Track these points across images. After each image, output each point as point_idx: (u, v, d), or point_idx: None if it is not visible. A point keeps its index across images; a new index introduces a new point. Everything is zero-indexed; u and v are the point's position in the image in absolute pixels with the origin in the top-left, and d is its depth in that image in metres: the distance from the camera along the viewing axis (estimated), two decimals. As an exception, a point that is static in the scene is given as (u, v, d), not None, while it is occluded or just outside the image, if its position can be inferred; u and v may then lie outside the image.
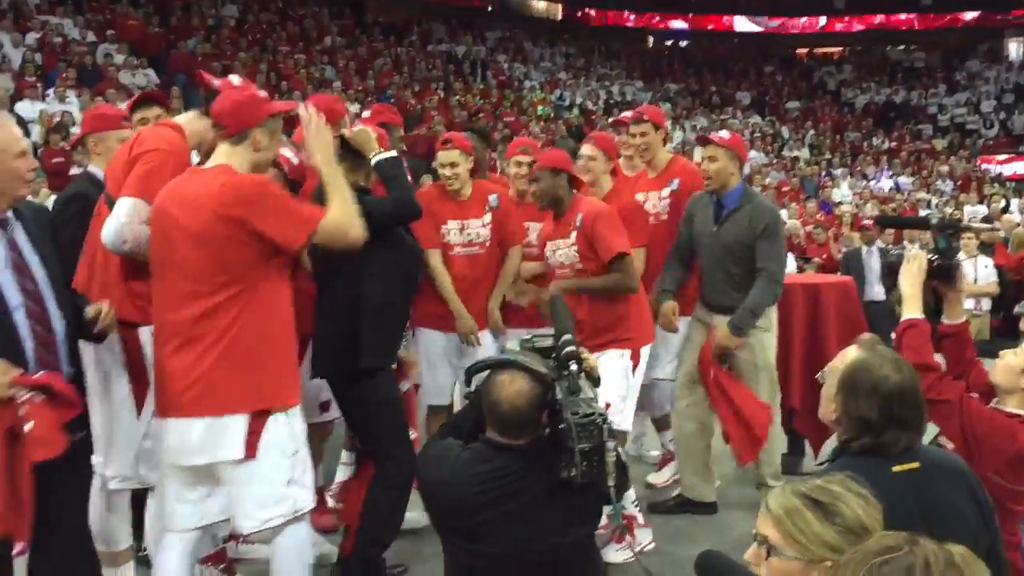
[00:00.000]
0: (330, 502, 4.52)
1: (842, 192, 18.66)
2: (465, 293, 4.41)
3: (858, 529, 1.80)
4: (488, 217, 4.50)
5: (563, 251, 4.24)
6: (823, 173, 20.47)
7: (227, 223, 2.86)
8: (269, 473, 2.95)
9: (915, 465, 2.32)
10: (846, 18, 29.85)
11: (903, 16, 29.35)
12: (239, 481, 2.95)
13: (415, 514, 3.98)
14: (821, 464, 2.56)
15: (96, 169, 3.73)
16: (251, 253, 2.90)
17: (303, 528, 3.11)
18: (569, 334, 2.85)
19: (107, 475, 3.36)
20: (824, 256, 11.37)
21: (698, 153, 17.91)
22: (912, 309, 3.03)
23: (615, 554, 3.95)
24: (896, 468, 2.30)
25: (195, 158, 3.59)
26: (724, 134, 4.66)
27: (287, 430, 2.99)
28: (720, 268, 4.51)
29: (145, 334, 3.31)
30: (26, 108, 12.15)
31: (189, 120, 3.49)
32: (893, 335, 3.13)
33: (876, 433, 2.33)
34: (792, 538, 1.81)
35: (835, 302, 5.37)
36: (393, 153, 3.61)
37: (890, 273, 9.38)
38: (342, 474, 4.72)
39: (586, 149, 4.68)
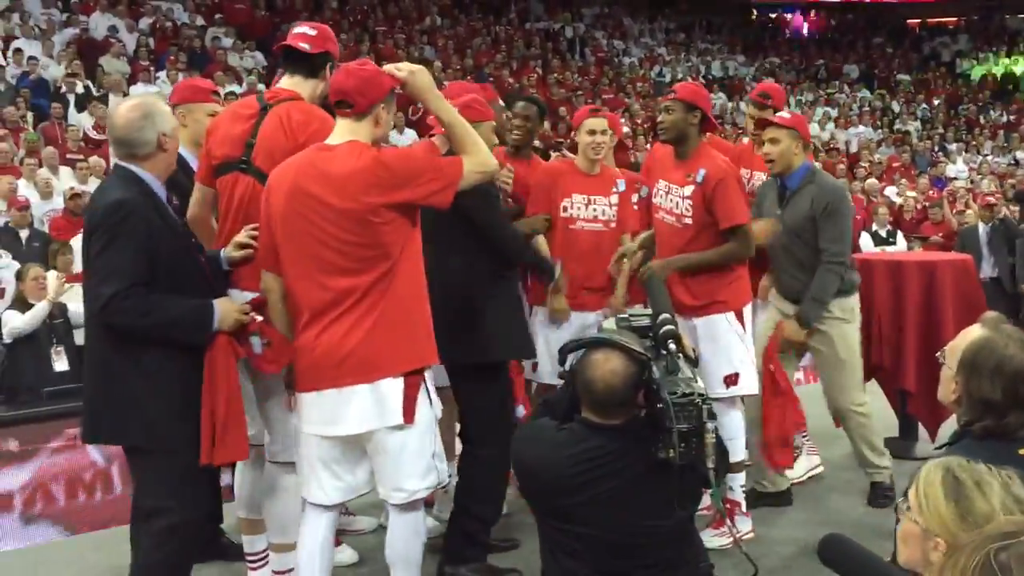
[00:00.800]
0: None
1: (957, 168, 17.91)
2: (587, 270, 4.32)
3: (982, 522, 1.72)
4: (615, 199, 4.41)
5: (675, 198, 4.10)
6: (936, 148, 19.68)
7: (383, 200, 2.86)
8: (419, 444, 2.99)
9: None
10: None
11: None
12: (391, 450, 2.96)
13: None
14: (940, 448, 2.46)
15: (183, 151, 3.64)
16: (404, 225, 2.94)
17: (420, 508, 3.13)
18: (667, 313, 2.80)
19: (273, 449, 3.38)
20: (942, 234, 10.94)
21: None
22: None
23: (712, 539, 3.87)
24: (1022, 451, 2.21)
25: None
26: (785, 114, 4.48)
27: (431, 399, 3.03)
28: (786, 252, 4.38)
29: None
30: (140, 91, 12.59)
31: (296, 85, 3.43)
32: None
33: (999, 415, 2.25)
34: (919, 504, 1.83)
35: (952, 281, 5.17)
36: (557, 271, 4.00)
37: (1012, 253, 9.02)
38: None
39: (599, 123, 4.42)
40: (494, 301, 3.70)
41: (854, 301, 4.48)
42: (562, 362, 2.88)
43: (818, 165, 4.46)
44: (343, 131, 3.00)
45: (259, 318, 3.08)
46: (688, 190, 4.04)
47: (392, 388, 2.93)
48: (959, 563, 1.42)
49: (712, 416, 2.57)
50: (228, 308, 3.01)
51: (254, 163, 3.28)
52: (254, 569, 3.63)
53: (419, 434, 2.98)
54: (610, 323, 2.88)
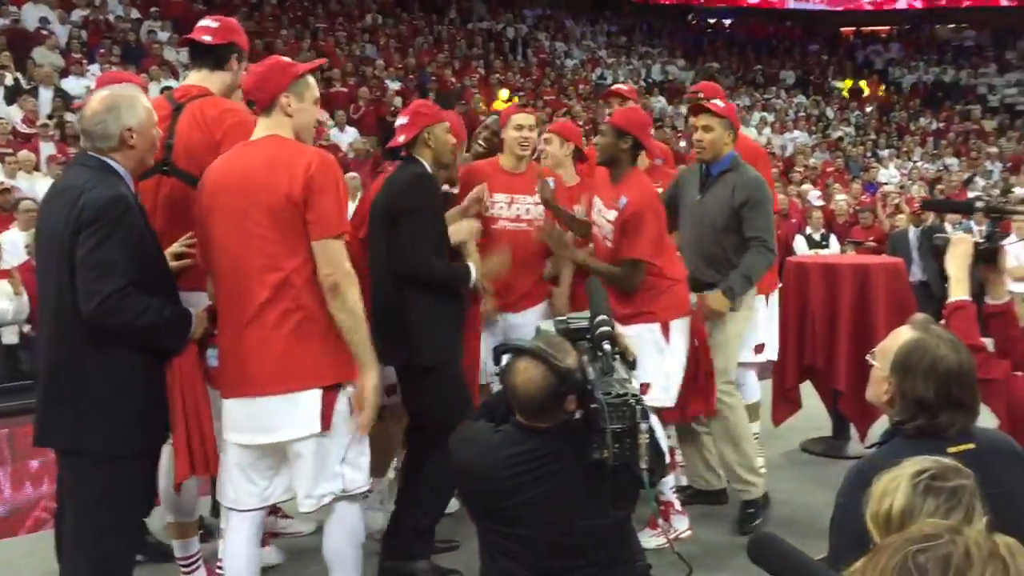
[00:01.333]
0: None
1: (888, 173, 18.35)
2: (512, 271, 4.24)
3: (895, 523, 1.76)
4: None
5: (603, 220, 4.14)
6: (868, 154, 20.14)
7: (305, 196, 2.88)
8: (330, 449, 2.98)
9: (971, 446, 2.28)
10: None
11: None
12: (306, 456, 2.97)
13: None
14: (871, 447, 2.50)
15: None
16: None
17: (355, 510, 3.12)
18: (604, 315, 2.81)
19: None
20: (873, 238, 11.19)
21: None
22: (959, 291, 3.04)
23: (649, 540, 3.88)
24: (951, 449, 2.24)
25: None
26: (719, 103, 4.49)
27: (350, 407, 3.02)
28: (695, 244, 4.39)
29: None
30: (72, 84, 12.29)
31: (204, 79, 3.44)
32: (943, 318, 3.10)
33: (932, 414, 2.29)
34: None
35: (884, 283, 5.28)
36: (474, 276, 3.76)
37: (935, 256, 9.24)
38: None
39: (545, 135, 4.54)
40: (422, 304, 3.66)
41: (750, 294, 4.41)
42: (496, 362, 2.88)
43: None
44: (260, 129, 3.05)
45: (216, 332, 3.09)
46: (612, 215, 4.08)
47: (309, 398, 2.93)
48: (879, 564, 1.43)
49: (646, 416, 2.58)
50: (200, 317, 3.01)
51: (176, 164, 3.27)
52: (187, 573, 3.58)
53: (334, 440, 2.99)
54: (548, 325, 2.88)
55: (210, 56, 3.42)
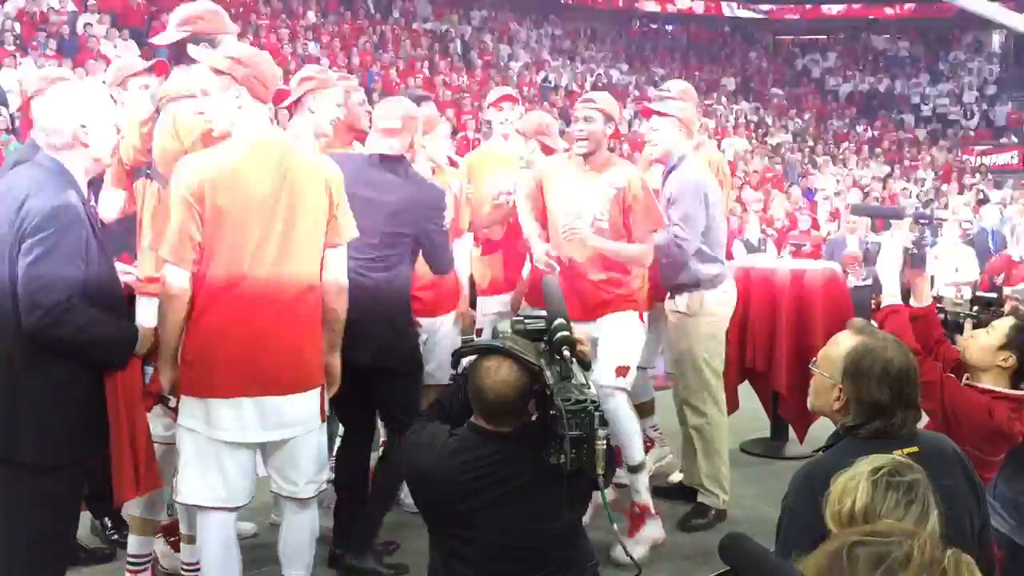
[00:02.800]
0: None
1: (825, 180, 18.72)
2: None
3: (858, 519, 1.79)
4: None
5: (584, 201, 4.05)
6: (806, 161, 20.52)
7: (331, 205, 3.06)
8: (321, 438, 3.18)
9: (915, 449, 2.32)
10: (831, 5, 29.81)
11: (888, 5, 29.34)
12: (310, 447, 3.12)
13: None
14: (818, 451, 2.53)
15: None
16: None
17: (315, 503, 3.26)
18: (562, 318, 2.78)
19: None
20: (813, 243, 11.39)
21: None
22: (892, 295, 3.15)
23: (636, 547, 3.85)
24: (898, 453, 2.24)
25: None
26: (660, 105, 4.49)
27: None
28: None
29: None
30: (4, 78, 11.96)
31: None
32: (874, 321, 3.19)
33: (889, 415, 2.34)
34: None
35: (821, 288, 5.38)
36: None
37: (867, 261, 9.45)
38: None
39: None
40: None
41: (708, 296, 4.41)
42: (455, 365, 2.86)
43: (699, 158, 4.54)
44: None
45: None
46: (609, 192, 4.04)
47: (316, 394, 3.11)
48: (825, 546, 1.45)
49: (604, 424, 2.57)
50: (146, 334, 2.91)
51: (155, 168, 3.23)
52: (134, 572, 3.49)
53: (322, 430, 3.18)
54: (505, 325, 2.83)
55: (176, 54, 3.37)
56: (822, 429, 5.32)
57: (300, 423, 3.05)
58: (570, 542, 2.77)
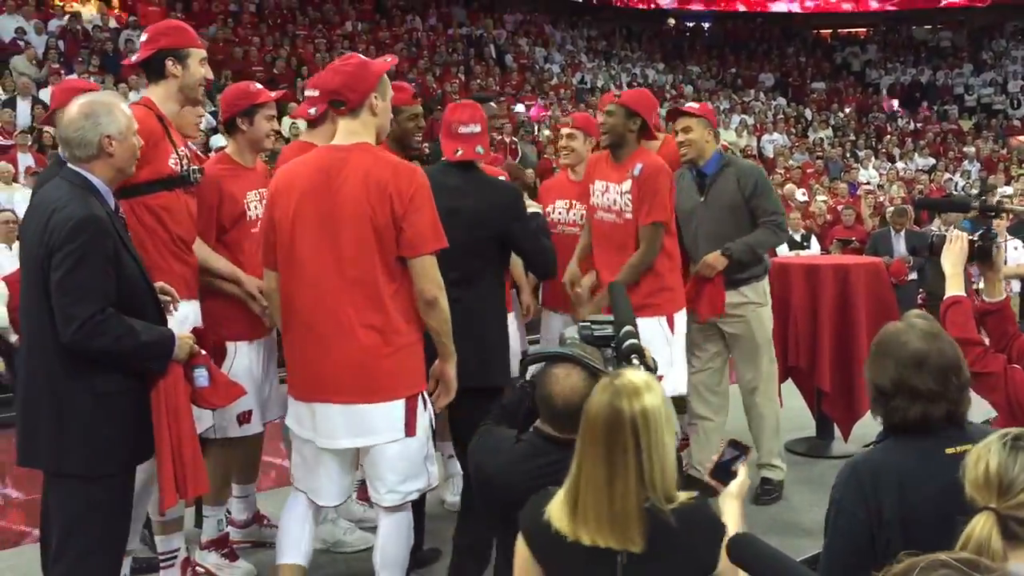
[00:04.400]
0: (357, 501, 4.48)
1: (868, 174, 18.47)
2: None
3: (992, 481, 1.81)
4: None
5: (613, 195, 4.17)
6: (847, 155, 20.27)
7: (404, 213, 2.96)
8: (416, 450, 3.15)
9: (969, 446, 2.20)
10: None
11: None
12: (390, 458, 3.11)
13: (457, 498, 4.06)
14: (867, 446, 2.49)
15: None
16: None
17: (409, 510, 3.27)
18: (630, 324, 2.79)
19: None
20: (859, 238, 11.25)
21: (721, 136, 17.75)
22: (955, 287, 3.06)
23: None
24: (949, 451, 2.23)
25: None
26: (694, 104, 4.64)
27: (429, 410, 3.20)
28: (709, 240, 4.46)
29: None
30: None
31: (165, 90, 3.45)
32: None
33: (886, 400, 2.29)
34: None
35: (865, 283, 5.31)
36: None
37: (932, 253, 9.29)
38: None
39: (565, 130, 4.65)
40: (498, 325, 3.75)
41: (766, 284, 4.67)
42: (523, 372, 2.84)
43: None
44: (344, 133, 3.07)
45: (203, 351, 3.08)
46: (627, 185, 4.10)
47: (395, 408, 3.07)
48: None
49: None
50: (184, 338, 2.96)
51: None
52: (164, 568, 3.59)
53: (418, 441, 3.15)
54: (572, 331, 2.83)
55: (147, 71, 3.45)
56: (868, 427, 5.27)
57: (372, 433, 3.07)
58: None
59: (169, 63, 3.39)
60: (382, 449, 3.09)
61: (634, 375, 2.24)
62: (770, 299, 4.70)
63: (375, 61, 3.13)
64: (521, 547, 2.20)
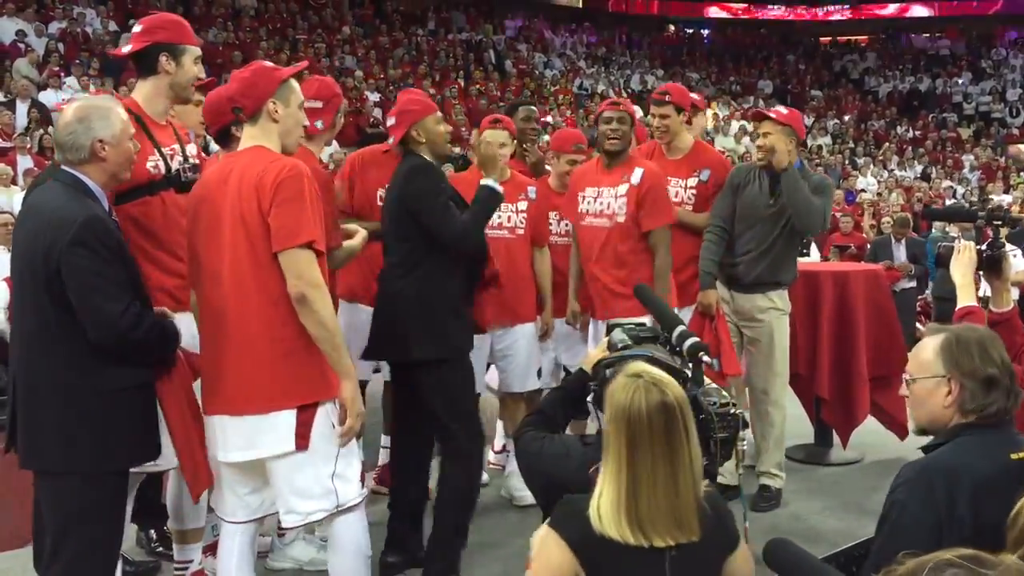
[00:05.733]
0: (373, 485, 4.53)
1: (866, 181, 18.49)
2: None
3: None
4: (524, 205, 4.44)
5: (606, 200, 4.32)
6: (846, 162, 20.29)
7: (270, 207, 2.79)
8: (314, 466, 2.91)
9: None
10: (869, 5, 29.49)
11: (925, 4, 28.96)
12: (283, 474, 2.90)
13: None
14: (927, 448, 2.42)
15: None
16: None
17: (357, 520, 3.05)
18: (681, 324, 2.85)
19: None
20: (857, 245, 11.26)
21: (719, 142, 17.72)
22: (967, 297, 3.07)
23: None
24: (1014, 456, 2.26)
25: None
26: (781, 109, 4.65)
27: (333, 417, 2.93)
28: (761, 239, 4.53)
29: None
30: (49, 97, 12.20)
31: (154, 86, 3.34)
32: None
33: (1004, 389, 2.29)
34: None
35: (864, 291, 5.31)
36: (499, 188, 3.65)
37: (939, 264, 9.29)
38: (383, 458, 4.72)
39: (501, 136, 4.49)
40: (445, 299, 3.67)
41: (787, 294, 4.69)
42: (595, 376, 2.81)
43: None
44: (246, 138, 2.98)
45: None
46: (623, 188, 4.24)
47: (281, 419, 2.85)
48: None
49: (745, 425, 2.68)
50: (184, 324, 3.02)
51: None
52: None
53: (315, 456, 2.89)
54: (620, 334, 2.81)
55: (137, 65, 3.32)
56: (867, 434, 5.27)
57: (257, 446, 2.88)
58: None
59: (163, 58, 3.27)
60: (273, 464, 2.90)
61: (650, 369, 2.27)
62: (790, 308, 4.72)
63: (279, 68, 3.04)
64: (557, 552, 2.17)
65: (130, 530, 3.95)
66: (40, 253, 2.70)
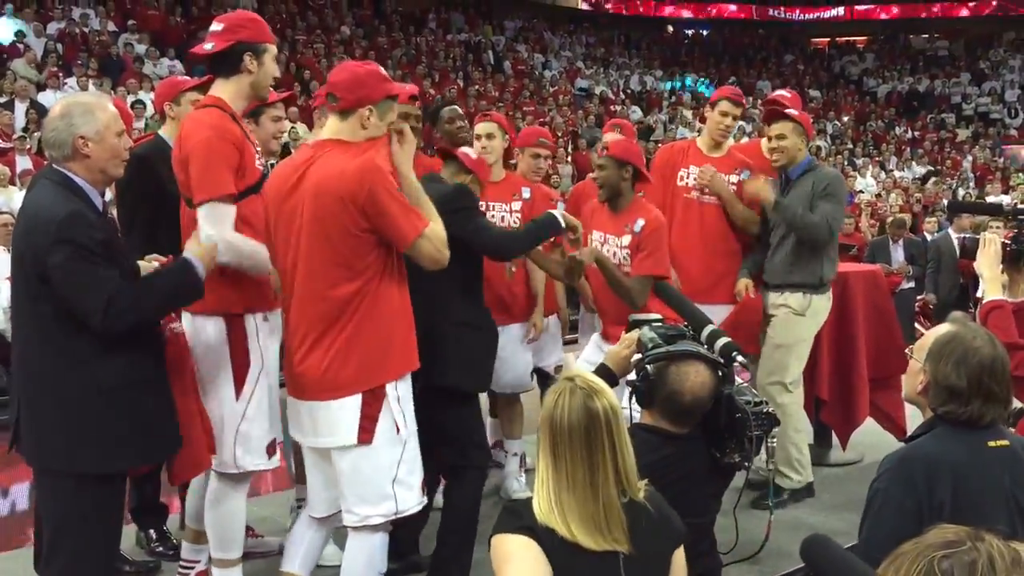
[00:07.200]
0: None
1: (866, 182, 18.51)
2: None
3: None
4: (518, 205, 4.44)
5: (611, 248, 4.09)
6: (845, 163, 20.31)
7: (349, 209, 2.81)
8: (376, 468, 2.90)
9: (1005, 443, 2.36)
10: (867, 7, 29.51)
11: (925, 5, 29.00)
12: (345, 469, 2.92)
13: None
14: (907, 439, 2.54)
15: (165, 135, 3.83)
16: (369, 241, 2.87)
17: (382, 539, 3.01)
18: (711, 324, 2.92)
19: (221, 460, 3.26)
20: (858, 246, 11.29)
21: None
22: (993, 291, 3.12)
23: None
24: (991, 444, 2.34)
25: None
26: (792, 111, 4.65)
27: (399, 418, 2.94)
28: (784, 242, 4.56)
29: (250, 321, 3.25)
30: (48, 98, 12.21)
31: (237, 86, 3.21)
32: (978, 316, 3.21)
33: (963, 402, 2.35)
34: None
35: (863, 291, 5.30)
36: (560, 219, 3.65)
37: (964, 256, 9.31)
38: None
39: (485, 127, 4.48)
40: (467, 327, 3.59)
41: (816, 301, 4.59)
42: (639, 371, 2.80)
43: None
44: (329, 128, 3.00)
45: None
46: (626, 239, 4.04)
47: (349, 406, 2.88)
48: (900, 569, 1.43)
49: (777, 422, 2.75)
50: (199, 251, 2.94)
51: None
52: (184, 573, 3.57)
53: (378, 457, 2.89)
54: (649, 332, 2.84)
55: (220, 63, 3.19)
56: (866, 435, 5.27)
57: (325, 435, 2.94)
58: (710, 533, 2.88)
59: (247, 57, 3.16)
60: (337, 456, 2.96)
61: (587, 375, 2.30)
62: (817, 315, 4.64)
63: (391, 81, 3.04)
64: (516, 543, 2.15)
65: (130, 530, 3.96)
66: (30, 252, 2.71)
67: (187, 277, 2.90)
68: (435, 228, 2.91)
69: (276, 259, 3.04)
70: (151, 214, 3.69)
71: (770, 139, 4.58)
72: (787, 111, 4.60)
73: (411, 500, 2.98)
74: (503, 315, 4.33)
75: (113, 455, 2.79)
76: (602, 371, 2.93)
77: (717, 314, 4.46)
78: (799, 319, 4.60)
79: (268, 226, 3.05)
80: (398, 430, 2.93)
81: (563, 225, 3.61)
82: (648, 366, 2.72)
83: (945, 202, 15.15)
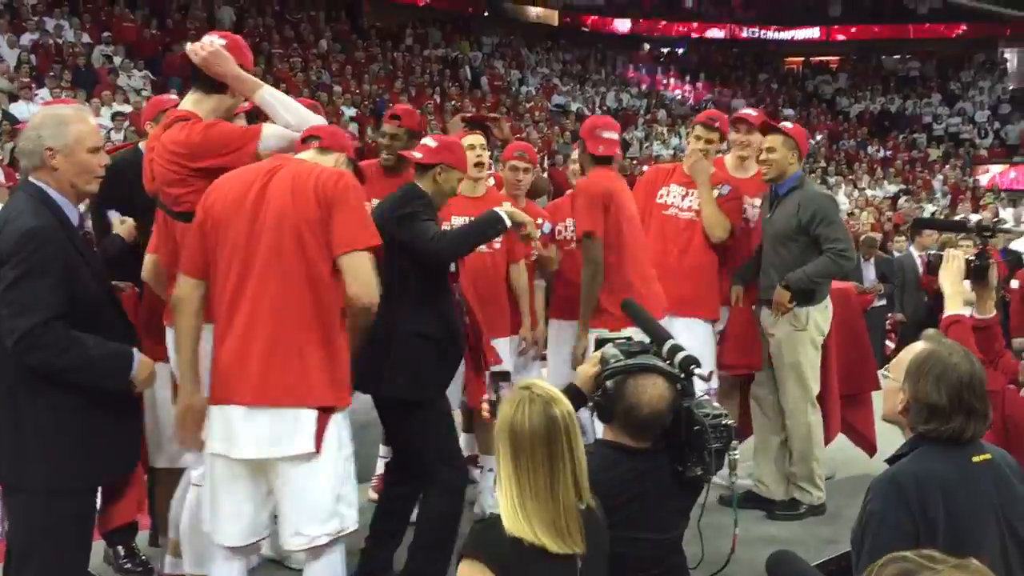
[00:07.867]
0: (371, 495, 4.50)
1: (839, 200, 18.66)
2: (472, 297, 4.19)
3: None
4: None
5: (569, 234, 4.53)
6: (818, 181, 20.50)
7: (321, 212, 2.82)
8: (327, 479, 2.84)
9: (988, 456, 2.39)
10: (841, 27, 29.87)
11: (898, 26, 29.38)
12: (297, 482, 2.81)
13: None
14: (891, 459, 2.52)
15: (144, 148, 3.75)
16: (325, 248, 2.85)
17: (339, 549, 2.96)
18: (671, 338, 2.91)
19: (193, 475, 3.21)
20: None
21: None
22: (954, 306, 3.16)
23: None
24: (975, 459, 2.37)
25: None
26: (787, 124, 4.74)
27: (344, 433, 2.90)
28: (770, 257, 4.59)
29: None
30: (21, 109, 12.09)
31: (196, 102, 3.23)
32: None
33: (944, 419, 2.37)
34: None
35: (836, 309, 5.33)
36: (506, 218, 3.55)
37: (929, 272, 9.37)
38: (381, 467, 4.70)
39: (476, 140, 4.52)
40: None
41: (815, 313, 4.56)
42: (597, 389, 2.79)
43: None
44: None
45: None
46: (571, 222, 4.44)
47: (304, 416, 2.80)
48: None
49: (736, 435, 2.74)
50: (147, 363, 2.85)
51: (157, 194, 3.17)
52: None
53: (326, 469, 2.84)
54: (611, 349, 2.82)
55: (203, 79, 3.19)
56: (838, 450, 5.29)
57: (284, 442, 2.81)
58: (679, 549, 2.85)
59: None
60: (289, 469, 2.85)
61: (542, 383, 2.34)
62: (818, 329, 4.63)
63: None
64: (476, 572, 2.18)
65: (98, 546, 3.90)
66: None
67: (119, 367, 2.79)
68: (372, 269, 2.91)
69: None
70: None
71: (760, 152, 4.62)
72: (781, 124, 4.68)
73: (353, 517, 2.94)
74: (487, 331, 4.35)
75: (64, 474, 2.73)
76: (571, 391, 2.91)
77: (695, 328, 4.58)
78: (801, 334, 4.59)
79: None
80: (340, 446, 2.89)
81: (508, 223, 3.51)
82: (607, 381, 2.73)
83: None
